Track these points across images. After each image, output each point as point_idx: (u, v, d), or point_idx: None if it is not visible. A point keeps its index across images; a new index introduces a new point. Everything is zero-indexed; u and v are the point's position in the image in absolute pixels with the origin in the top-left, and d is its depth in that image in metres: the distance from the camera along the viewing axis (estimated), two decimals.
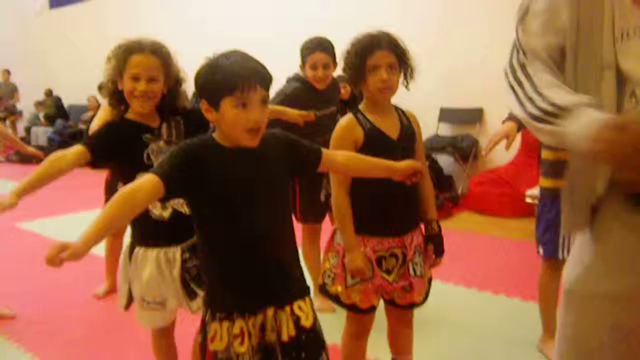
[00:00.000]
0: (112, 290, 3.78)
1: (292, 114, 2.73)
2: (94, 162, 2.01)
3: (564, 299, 1.36)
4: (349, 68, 2.03)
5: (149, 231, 2.07)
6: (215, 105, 1.52)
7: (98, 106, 9.96)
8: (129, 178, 2.03)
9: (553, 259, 2.63)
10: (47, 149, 10.01)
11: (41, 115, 11.40)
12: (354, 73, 2.01)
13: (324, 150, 1.77)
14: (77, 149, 1.97)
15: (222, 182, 1.55)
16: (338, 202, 2.03)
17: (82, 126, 9.96)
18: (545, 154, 2.62)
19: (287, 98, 3.17)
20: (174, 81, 2.12)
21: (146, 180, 1.49)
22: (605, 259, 1.26)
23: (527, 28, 1.35)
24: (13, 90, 11.97)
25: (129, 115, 2.10)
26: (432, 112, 6.36)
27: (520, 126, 2.44)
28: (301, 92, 3.20)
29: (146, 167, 1.89)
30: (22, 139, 10.75)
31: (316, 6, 7.54)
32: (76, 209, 5.99)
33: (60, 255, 1.32)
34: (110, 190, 3.62)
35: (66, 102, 11.66)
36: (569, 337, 1.32)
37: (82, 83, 10.84)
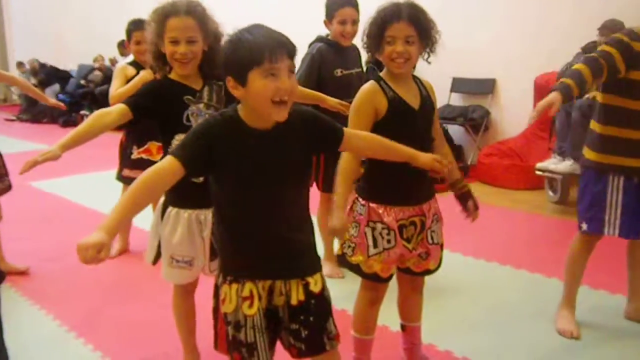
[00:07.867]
0: (124, 250, 3.83)
1: (332, 101, 2.73)
2: (135, 121, 2.03)
3: None
4: (368, 37, 2.05)
5: (184, 193, 2.04)
6: (243, 80, 1.50)
7: (104, 66, 9.97)
8: (168, 138, 2.08)
9: (595, 235, 2.57)
10: (57, 110, 9.98)
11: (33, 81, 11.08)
12: (372, 42, 2.03)
13: (346, 131, 1.75)
14: (119, 107, 2.00)
15: (241, 163, 1.56)
16: (344, 161, 2.02)
17: (90, 86, 9.88)
18: (593, 125, 2.57)
19: (314, 59, 3.15)
20: (213, 37, 2.11)
21: (166, 165, 1.50)
22: None
23: None
24: None
25: (173, 76, 2.12)
26: (444, 81, 6.29)
27: (566, 97, 2.34)
28: (326, 51, 3.18)
29: (185, 128, 1.91)
30: (29, 100, 10.70)
31: None
32: (90, 169, 6.00)
33: (99, 256, 1.35)
34: (124, 152, 3.64)
35: (75, 62, 11.54)
36: None
37: (89, 42, 10.81)
